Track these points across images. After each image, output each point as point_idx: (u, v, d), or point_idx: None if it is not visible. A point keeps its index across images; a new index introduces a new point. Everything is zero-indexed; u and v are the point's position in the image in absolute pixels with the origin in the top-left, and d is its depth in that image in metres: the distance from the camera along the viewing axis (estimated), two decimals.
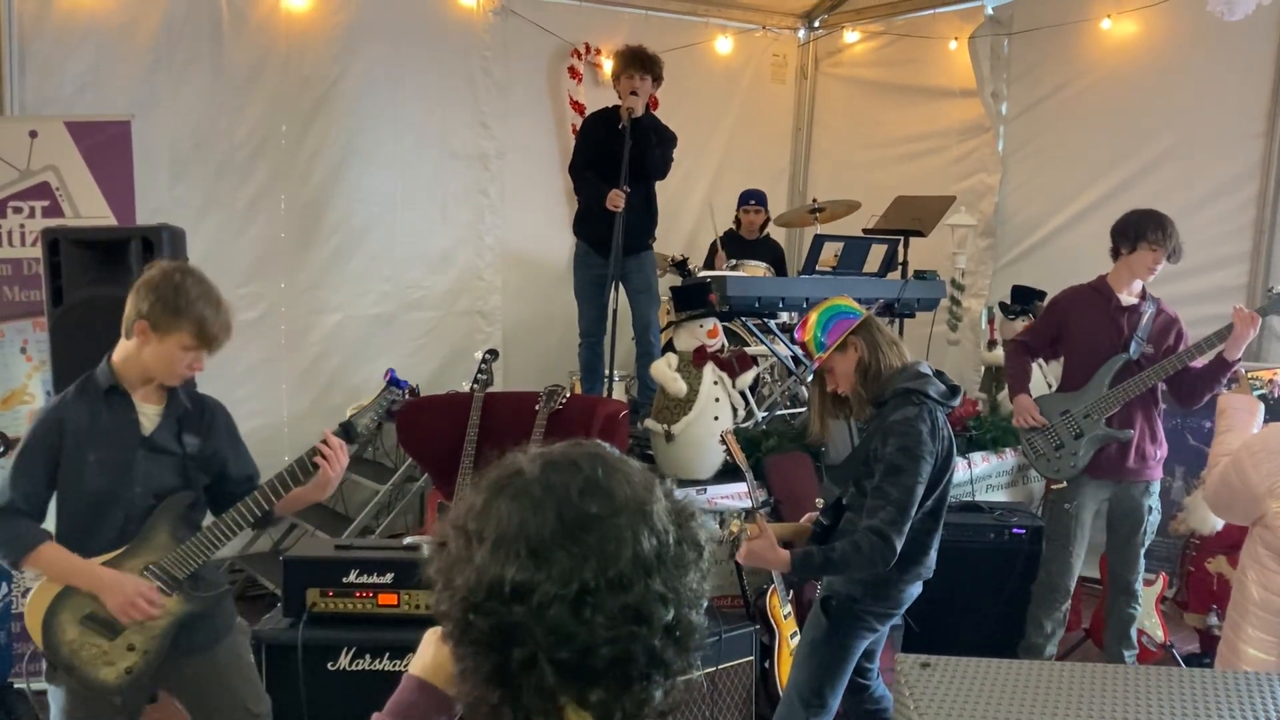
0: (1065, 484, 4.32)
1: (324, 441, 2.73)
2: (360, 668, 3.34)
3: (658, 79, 5.30)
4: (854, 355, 3.16)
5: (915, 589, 3.21)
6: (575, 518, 1.08)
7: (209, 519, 2.78)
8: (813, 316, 3.25)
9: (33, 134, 4.38)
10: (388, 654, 3.33)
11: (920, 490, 2.99)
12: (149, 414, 2.71)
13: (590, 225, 5.43)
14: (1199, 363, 4.15)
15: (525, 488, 1.11)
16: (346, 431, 2.79)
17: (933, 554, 3.17)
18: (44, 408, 2.76)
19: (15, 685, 4.06)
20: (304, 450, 2.78)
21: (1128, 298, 4.24)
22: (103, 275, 3.73)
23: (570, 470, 1.12)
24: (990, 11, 6.52)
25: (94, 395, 2.67)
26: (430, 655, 1.33)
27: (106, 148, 4.40)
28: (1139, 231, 4.13)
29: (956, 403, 3.16)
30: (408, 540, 3.58)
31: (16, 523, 2.59)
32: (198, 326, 2.60)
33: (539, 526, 1.08)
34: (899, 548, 2.95)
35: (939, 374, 3.19)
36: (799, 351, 5.42)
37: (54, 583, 2.64)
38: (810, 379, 3.43)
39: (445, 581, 1.13)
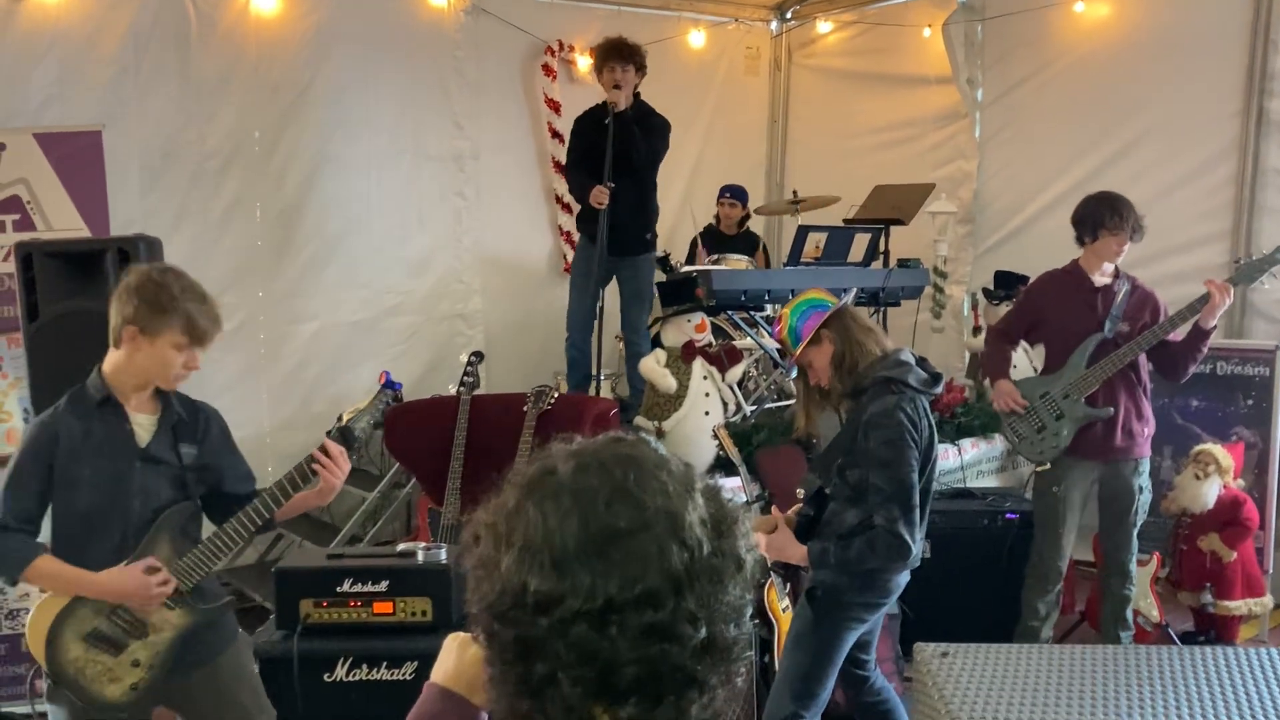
0: (1049, 466, 4.33)
1: (322, 448, 2.67)
2: (358, 678, 3.28)
3: (641, 68, 5.24)
4: (829, 348, 3.13)
5: (903, 578, 3.18)
6: (601, 530, 1.02)
7: (208, 528, 2.73)
8: (787, 311, 3.24)
9: (1, 146, 4.28)
10: (385, 663, 3.27)
11: (914, 478, 2.97)
12: (144, 424, 2.65)
13: (588, 221, 5.37)
14: (1176, 336, 4.16)
15: (554, 492, 1.05)
16: (344, 436, 2.74)
17: (918, 548, 3.12)
18: (34, 421, 2.69)
19: (3, 710, 3.99)
20: (288, 459, 2.75)
21: (1100, 278, 4.26)
22: (78, 288, 3.65)
23: (601, 474, 1.05)
24: None
25: (86, 408, 2.61)
26: (453, 662, 1.27)
27: (77, 158, 4.31)
28: (1097, 220, 4.17)
29: (938, 390, 3.14)
30: (401, 547, 3.52)
31: (10, 539, 2.53)
32: (187, 322, 2.54)
33: (563, 538, 1.02)
34: (912, 540, 2.94)
35: (921, 361, 3.17)
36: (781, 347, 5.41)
37: (56, 598, 2.58)
38: (794, 374, 3.39)
39: (475, 583, 1.08)
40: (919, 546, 3.07)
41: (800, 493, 3.31)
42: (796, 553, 3.08)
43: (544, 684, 1.03)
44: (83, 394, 2.64)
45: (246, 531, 2.69)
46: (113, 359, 2.63)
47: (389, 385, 2.83)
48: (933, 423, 3.11)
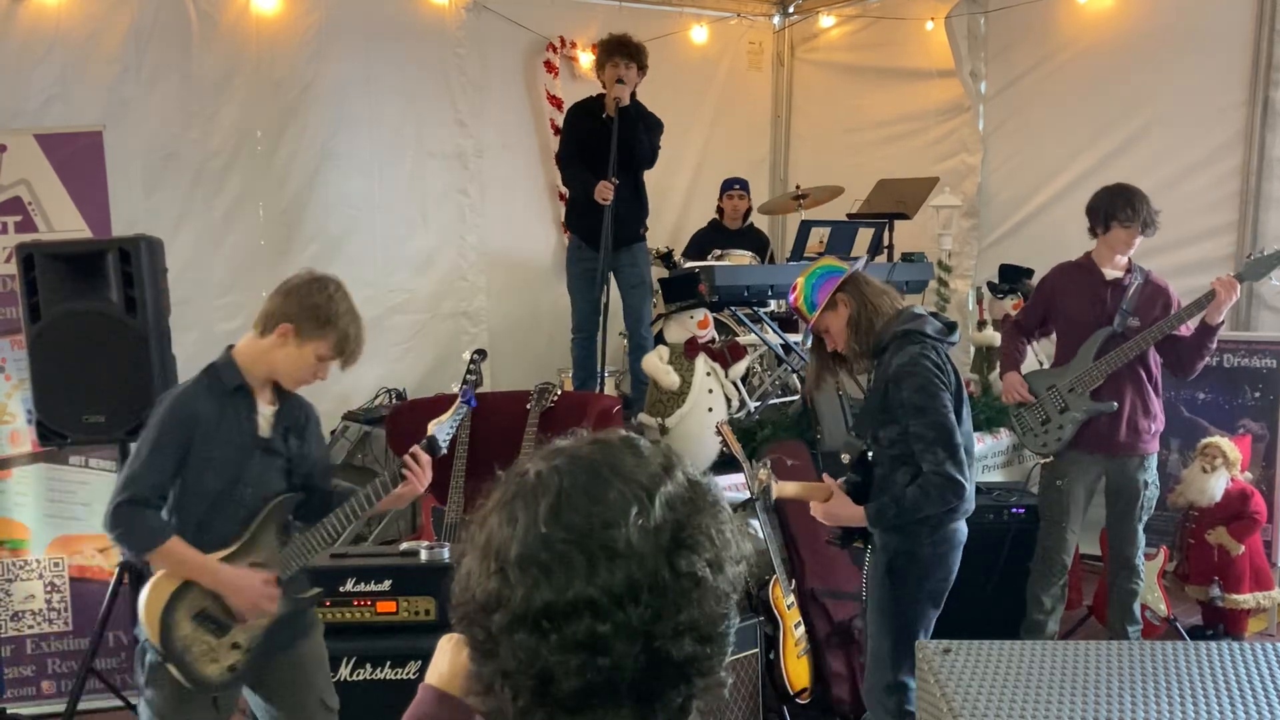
0: (1052, 459, 4.34)
1: (412, 456, 2.76)
2: (361, 678, 3.29)
3: (643, 68, 5.23)
4: (844, 311, 3.19)
5: (962, 528, 3.20)
6: (538, 538, 1.01)
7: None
8: (801, 280, 3.30)
9: (2, 148, 4.28)
10: (389, 663, 3.28)
11: (952, 419, 3.03)
12: (266, 415, 2.73)
13: (580, 218, 5.37)
14: (1186, 331, 4.14)
15: (514, 496, 1.05)
16: (430, 445, 2.82)
17: (970, 488, 3.15)
18: (173, 396, 2.69)
19: (8, 711, 4.00)
20: None
21: (1112, 271, 4.25)
22: (80, 289, 3.65)
23: (553, 480, 1.04)
24: None
25: (220, 391, 2.66)
26: (447, 663, 1.27)
27: (78, 159, 4.30)
28: (1109, 212, 4.17)
29: (955, 339, 3.21)
30: (404, 546, 3.52)
31: (150, 516, 2.57)
32: (341, 340, 2.65)
33: (506, 544, 1.02)
34: (963, 479, 2.99)
35: (934, 314, 3.24)
36: (786, 338, 5.40)
37: (169, 577, 2.60)
38: (809, 343, 3.46)
39: (454, 584, 1.09)
40: (970, 486, 3.10)
41: (845, 458, 3.33)
42: (854, 514, 3.13)
43: (498, 687, 1.03)
44: (216, 377, 2.68)
45: (343, 527, 2.77)
46: (252, 346, 2.68)
47: (466, 401, 3.00)
48: (956, 369, 3.16)
